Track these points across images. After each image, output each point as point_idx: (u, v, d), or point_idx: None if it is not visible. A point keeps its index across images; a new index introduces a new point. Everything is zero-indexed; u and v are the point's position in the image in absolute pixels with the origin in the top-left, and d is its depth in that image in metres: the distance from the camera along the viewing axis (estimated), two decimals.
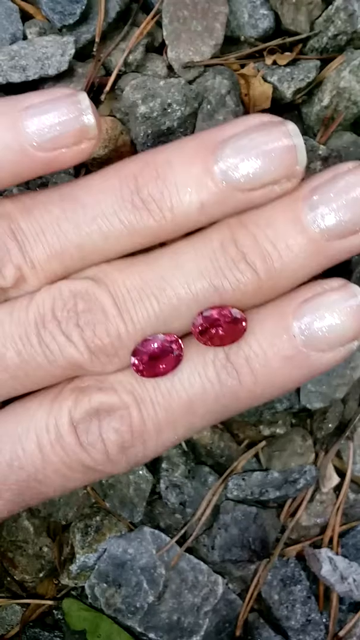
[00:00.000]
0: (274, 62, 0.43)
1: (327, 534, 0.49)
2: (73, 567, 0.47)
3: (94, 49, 0.42)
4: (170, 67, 0.43)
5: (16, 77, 0.40)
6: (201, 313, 0.33)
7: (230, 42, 0.44)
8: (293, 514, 0.49)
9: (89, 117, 0.32)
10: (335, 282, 0.34)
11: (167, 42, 0.42)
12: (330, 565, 0.47)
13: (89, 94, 0.40)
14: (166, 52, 0.43)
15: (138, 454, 0.35)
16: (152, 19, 0.43)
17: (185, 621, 0.46)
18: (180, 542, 0.47)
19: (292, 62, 0.44)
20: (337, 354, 0.34)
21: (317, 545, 0.49)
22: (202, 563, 0.47)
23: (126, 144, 0.42)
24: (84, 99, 0.33)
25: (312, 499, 0.49)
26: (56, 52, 0.40)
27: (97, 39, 0.42)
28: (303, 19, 0.44)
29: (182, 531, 0.47)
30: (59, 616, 0.49)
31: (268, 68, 0.43)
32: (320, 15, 0.44)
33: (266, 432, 0.48)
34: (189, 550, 0.48)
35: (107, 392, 0.34)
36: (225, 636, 0.47)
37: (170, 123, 0.41)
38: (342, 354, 0.34)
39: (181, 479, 0.47)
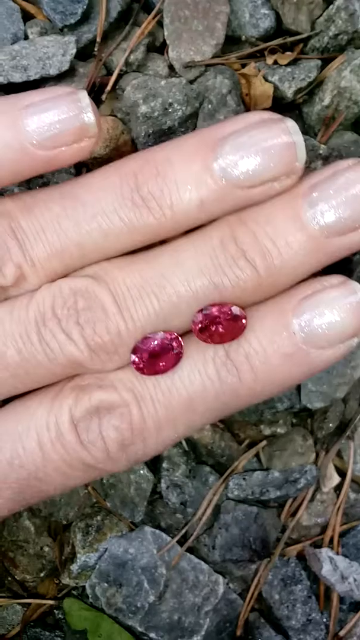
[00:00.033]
0: (275, 62, 0.43)
1: (328, 534, 0.49)
2: (74, 567, 0.47)
3: (95, 49, 0.42)
4: (171, 67, 0.43)
5: (17, 77, 0.40)
6: (201, 310, 0.33)
7: (232, 41, 0.44)
8: (294, 514, 0.49)
9: (89, 115, 0.33)
10: (335, 279, 0.34)
11: (168, 41, 0.42)
12: (331, 565, 0.47)
13: (90, 94, 0.40)
14: (167, 52, 0.43)
15: (138, 451, 0.35)
16: (154, 18, 0.43)
17: (186, 621, 0.46)
18: (181, 542, 0.47)
19: (293, 62, 0.44)
20: (337, 351, 0.34)
21: (317, 545, 0.49)
22: (202, 563, 0.47)
23: (127, 143, 0.42)
24: (84, 97, 0.33)
25: (312, 499, 0.49)
26: (57, 51, 0.40)
27: (98, 39, 0.42)
28: (304, 18, 0.44)
29: (183, 531, 0.47)
30: (60, 616, 0.49)
31: (269, 68, 0.43)
32: (321, 15, 0.44)
33: (267, 431, 0.48)
34: (190, 550, 0.48)
35: (108, 390, 0.34)
36: (226, 636, 0.47)
37: (171, 123, 0.41)
38: (342, 350, 0.34)
39: (182, 479, 0.47)
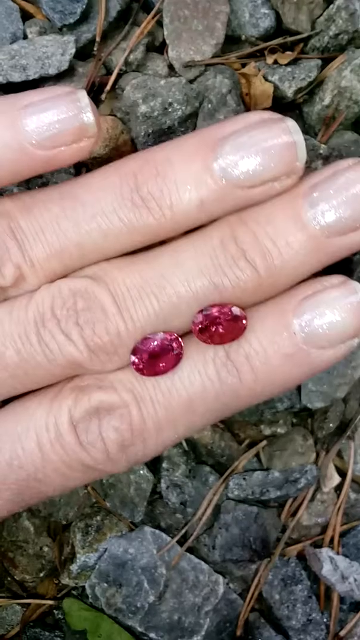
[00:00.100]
0: (275, 62, 0.43)
1: (328, 534, 0.49)
2: (73, 567, 0.47)
3: (95, 49, 0.42)
4: (171, 67, 0.43)
5: (16, 77, 0.40)
6: (201, 311, 0.33)
7: (231, 41, 0.44)
8: (294, 514, 0.49)
9: (88, 115, 0.32)
10: (336, 279, 0.34)
11: (167, 41, 0.42)
12: (331, 564, 0.47)
13: (89, 94, 0.40)
14: (167, 52, 0.43)
15: (138, 452, 0.35)
16: (153, 18, 0.42)
17: (186, 621, 0.46)
18: (181, 542, 0.47)
19: (293, 62, 0.44)
20: (337, 351, 0.34)
21: (318, 545, 0.49)
22: (202, 563, 0.47)
23: (127, 143, 0.42)
24: (83, 97, 0.33)
25: (313, 499, 0.49)
26: (56, 51, 0.40)
27: (97, 38, 0.42)
28: (304, 18, 0.44)
29: (183, 531, 0.47)
30: (60, 616, 0.49)
31: (269, 67, 0.43)
32: (321, 15, 0.44)
33: (267, 431, 0.48)
34: (190, 550, 0.48)
35: (107, 391, 0.34)
36: (226, 636, 0.47)
37: (171, 122, 0.41)
38: (343, 351, 0.34)
39: (182, 479, 0.47)
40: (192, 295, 0.33)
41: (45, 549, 0.48)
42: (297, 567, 0.48)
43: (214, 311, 0.33)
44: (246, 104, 0.43)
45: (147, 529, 0.47)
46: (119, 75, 0.42)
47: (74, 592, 0.49)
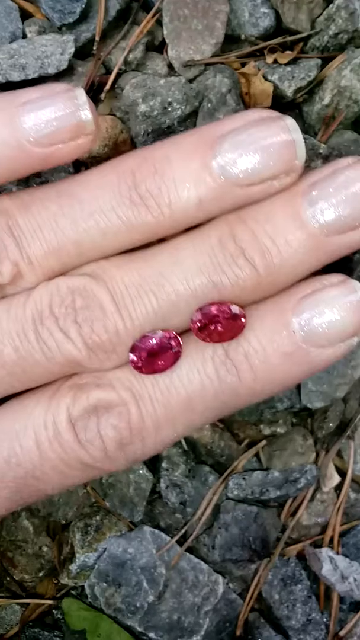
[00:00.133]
0: (275, 61, 0.43)
1: (328, 534, 0.49)
2: (73, 567, 0.47)
3: (94, 48, 0.42)
4: (170, 66, 0.43)
5: (16, 76, 0.40)
6: (200, 309, 0.33)
7: (231, 40, 0.44)
8: (294, 514, 0.49)
9: (86, 113, 0.32)
10: (335, 277, 0.34)
11: (167, 40, 0.42)
12: (331, 564, 0.47)
13: (89, 93, 0.40)
14: (166, 51, 0.43)
15: (137, 451, 0.35)
16: (153, 17, 0.42)
17: (186, 621, 0.46)
18: (180, 542, 0.47)
19: (293, 61, 0.44)
20: (337, 350, 0.34)
21: (317, 545, 0.49)
22: (202, 562, 0.47)
23: (126, 142, 0.42)
24: (81, 95, 0.33)
25: (312, 499, 0.49)
26: (56, 50, 0.40)
27: (97, 38, 0.42)
28: (304, 17, 0.44)
29: (183, 531, 0.47)
30: (59, 616, 0.49)
31: (269, 67, 0.43)
32: (321, 14, 0.44)
33: (267, 431, 0.47)
34: (189, 550, 0.48)
35: (105, 389, 0.34)
36: (226, 636, 0.47)
37: (170, 122, 0.41)
38: (342, 349, 0.34)
39: (181, 479, 0.47)
40: (191, 293, 0.33)
41: (45, 548, 0.48)
42: (297, 567, 0.48)
43: (213, 309, 0.33)
44: (246, 104, 0.43)
45: (147, 528, 0.47)
46: (119, 75, 0.42)
47: (73, 592, 0.49)
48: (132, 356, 0.33)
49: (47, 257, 0.34)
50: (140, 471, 0.47)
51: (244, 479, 0.47)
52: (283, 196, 0.34)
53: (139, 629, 0.46)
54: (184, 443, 0.47)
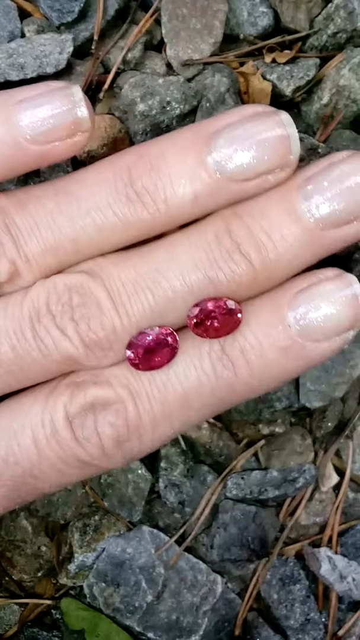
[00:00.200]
0: (273, 60, 0.43)
1: (327, 533, 0.49)
2: (71, 567, 0.47)
3: (93, 47, 0.42)
4: (169, 65, 0.43)
5: (14, 75, 0.40)
6: (196, 305, 0.33)
7: (230, 40, 0.44)
8: (292, 513, 0.49)
9: (82, 110, 0.33)
10: (331, 271, 0.34)
11: (166, 40, 0.42)
12: (330, 564, 0.47)
13: (87, 92, 0.41)
14: (165, 50, 0.43)
15: (134, 448, 0.35)
16: (151, 16, 0.43)
17: (184, 620, 0.46)
18: (179, 542, 0.47)
19: (292, 60, 0.44)
20: (333, 344, 0.34)
21: (316, 545, 0.49)
22: (201, 562, 0.47)
23: (125, 141, 0.42)
24: (77, 92, 0.33)
25: (311, 498, 0.49)
26: (54, 50, 0.40)
27: (95, 37, 0.42)
28: (302, 16, 0.44)
29: (181, 530, 0.47)
30: (58, 616, 0.49)
31: (267, 66, 0.43)
32: (319, 13, 0.44)
33: (265, 430, 0.47)
34: (188, 550, 0.48)
35: (103, 386, 0.34)
36: (225, 635, 0.47)
37: (169, 121, 0.41)
38: (338, 343, 0.34)
39: (180, 478, 0.47)
40: (187, 289, 0.33)
41: (43, 548, 0.48)
42: (296, 566, 0.48)
43: (209, 305, 0.33)
44: (244, 103, 0.44)
45: (145, 528, 0.47)
46: (117, 74, 0.42)
47: (72, 592, 0.49)
48: (129, 353, 0.33)
49: (44, 254, 0.34)
50: (139, 471, 0.47)
51: (242, 478, 0.47)
52: (278, 191, 0.34)
53: (137, 628, 0.46)
54: (182, 443, 0.47)
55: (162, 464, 0.47)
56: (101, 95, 0.42)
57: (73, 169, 0.42)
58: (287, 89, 0.43)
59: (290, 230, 0.33)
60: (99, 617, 0.46)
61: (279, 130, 0.32)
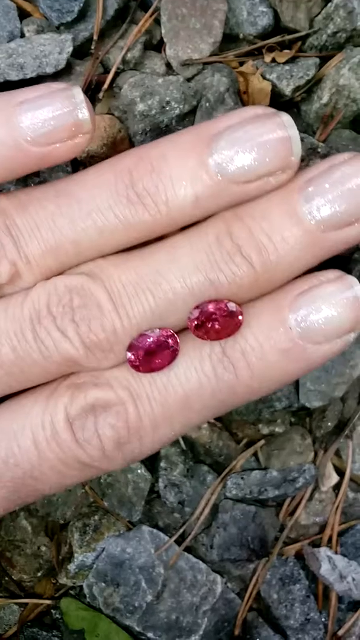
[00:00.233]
0: (273, 60, 0.43)
1: (326, 533, 0.49)
2: (71, 567, 0.47)
3: (92, 47, 0.42)
4: (168, 65, 0.43)
5: (14, 75, 0.40)
6: (197, 307, 0.33)
7: (229, 39, 0.44)
8: (292, 513, 0.49)
9: (83, 112, 0.32)
10: (332, 273, 0.34)
11: (165, 39, 0.42)
12: (329, 564, 0.47)
13: (87, 92, 0.40)
14: (165, 50, 0.43)
15: (134, 450, 0.35)
16: (151, 16, 0.42)
17: (184, 620, 0.46)
18: (178, 541, 0.47)
19: (291, 60, 0.44)
20: (334, 346, 0.34)
21: (316, 544, 0.49)
22: (200, 562, 0.47)
23: (124, 141, 0.42)
24: (78, 94, 0.33)
25: (311, 498, 0.49)
26: (54, 50, 0.40)
27: (95, 37, 0.42)
28: (302, 16, 0.44)
29: (181, 530, 0.47)
30: (57, 615, 0.48)
31: (267, 66, 0.43)
32: (319, 13, 0.44)
33: (265, 430, 0.47)
34: (188, 550, 0.48)
35: (103, 388, 0.34)
36: (224, 635, 0.47)
37: (168, 121, 0.41)
38: (339, 346, 0.34)
39: (180, 478, 0.47)
40: (188, 291, 0.33)
41: (43, 548, 0.48)
42: (295, 566, 0.48)
43: (210, 307, 0.33)
44: (244, 103, 0.43)
45: (145, 528, 0.47)
46: (117, 74, 0.42)
47: (72, 592, 0.49)
48: (130, 355, 0.33)
49: (44, 256, 0.34)
50: (139, 471, 0.47)
51: (242, 478, 0.47)
52: (279, 193, 0.34)
53: (137, 628, 0.46)
54: (182, 442, 0.47)
55: (162, 464, 0.46)
56: (101, 95, 0.42)
57: (73, 169, 0.42)
58: (287, 88, 0.43)
59: (292, 232, 0.33)
60: (98, 617, 0.46)
61: (280, 132, 0.32)
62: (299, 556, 0.49)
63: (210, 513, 0.47)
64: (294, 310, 0.33)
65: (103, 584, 0.46)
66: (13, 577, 0.48)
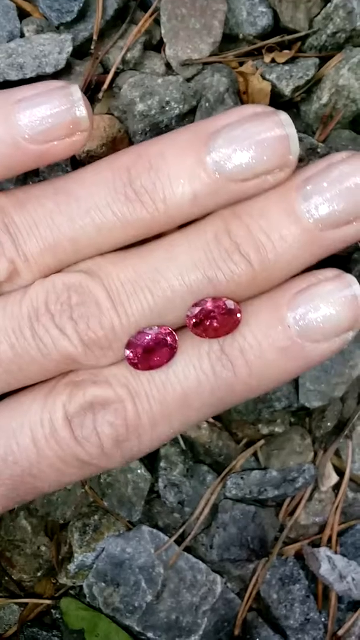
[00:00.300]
0: (273, 60, 0.43)
1: (326, 533, 0.49)
2: (71, 566, 0.47)
3: (92, 47, 0.42)
4: (168, 65, 0.43)
5: (13, 75, 0.40)
6: (195, 305, 0.33)
7: (229, 39, 0.44)
8: (292, 513, 0.49)
9: (81, 109, 0.32)
10: (330, 272, 0.34)
11: (165, 39, 0.42)
12: (329, 564, 0.47)
13: (86, 92, 0.41)
14: (164, 50, 0.43)
15: (133, 448, 0.35)
16: (150, 16, 0.42)
17: (184, 620, 0.46)
18: (178, 541, 0.47)
19: (291, 60, 0.44)
20: (332, 345, 0.34)
21: (315, 544, 0.49)
22: (200, 562, 0.47)
23: (124, 141, 0.42)
24: (76, 91, 0.33)
25: (310, 498, 0.49)
26: (54, 49, 0.40)
27: (94, 37, 0.42)
28: (302, 16, 0.44)
29: (181, 530, 0.47)
30: (57, 615, 0.49)
31: (267, 66, 0.43)
32: (319, 13, 0.44)
33: (265, 430, 0.47)
34: (188, 550, 0.48)
35: (102, 386, 0.34)
36: (224, 635, 0.47)
37: (168, 121, 0.41)
38: (338, 344, 0.34)
39: (179, 478, 0.47)
40: (187, 289, 0.33)
41: (43, 548, 0.48)
42: (295, 566, 0.48)
43: (209, 305, 0.33)
44: (244, 103, 0.44)
45: (145, 528, 0.47)
46: (116, 74, 0.42)
47: (72, 592, 0.49)
48: (128, 352, 0.33)
49: (43, 254, 0.34)
50: (138, 470, 0.47)
51: (242, 478, 0.47)
52: (277, 191, 0.34)
53: (137, 628, 0.46)
54: (182, 442, 0.47)
55: (162, 464, 0.47)
56: (100, 95, 0.42)
57: (72, 169, 0.42)
58: (287, 88, 0.43)
59: (290, 231, 0.33)
60: (98, 616, 0.46)
61: (278, 131, 0.32)
62: (299, 556, 0.49)
63: (210, 513, 0.47)
64: (292, 308, 0.33)
65: (103, 584, 0.46)
66: (13, 576, 0.48)
